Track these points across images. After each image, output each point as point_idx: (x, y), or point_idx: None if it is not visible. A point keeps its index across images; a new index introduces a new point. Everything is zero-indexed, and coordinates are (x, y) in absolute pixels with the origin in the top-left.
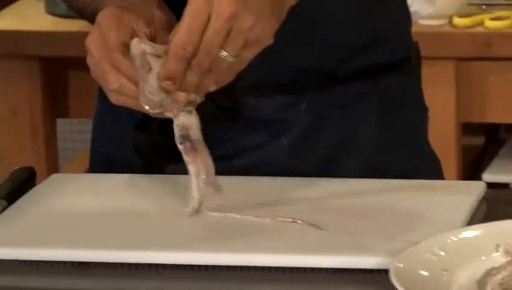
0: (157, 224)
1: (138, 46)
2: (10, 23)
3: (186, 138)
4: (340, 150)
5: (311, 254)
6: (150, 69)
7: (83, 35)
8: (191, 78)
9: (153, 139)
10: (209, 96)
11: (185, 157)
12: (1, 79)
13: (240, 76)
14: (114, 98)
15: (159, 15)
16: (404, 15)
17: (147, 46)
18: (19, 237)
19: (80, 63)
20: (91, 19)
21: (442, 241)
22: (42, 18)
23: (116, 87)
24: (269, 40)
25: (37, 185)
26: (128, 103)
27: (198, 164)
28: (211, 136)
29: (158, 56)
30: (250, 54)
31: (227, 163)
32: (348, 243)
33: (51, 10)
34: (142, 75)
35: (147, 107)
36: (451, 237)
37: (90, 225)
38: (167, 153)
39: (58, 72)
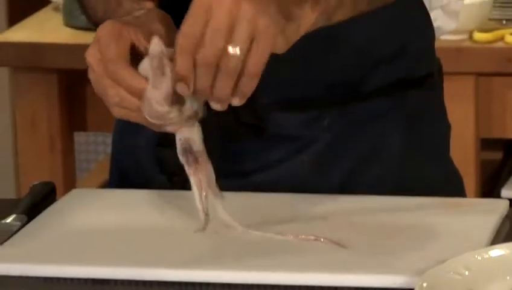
0: (179, 241)
1: (158, 45)
2: (28, 35)
3: (187, 150)
4: (363, 166)
5: (334, 272)
6: (163, 74)
7: None
8: (202, 77)
9: (174, 153)
10: (232, 111)
11: (187, 170)
12: (19, 91)
13: (264, 92)
14: (116, 112)
15: (159, 29)
16: (428, 29)
17: (165, 49)
18: (39, 253)
19: None
20: None
21: (467, 260)
22: (61, 30)
23: (117, 101)
24: (274, 37)
25: (58, 201)
26: (131, 116)
27: (200, 176)
28: (233, 152)
29: (171, 60)
30: (260, 52)
31: (247, 179)
32: (372, 261)
33: (70, 22)
34: (155, 79)
35: (148, 118)
36: (476, 256)
37: (111, 241)
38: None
39: (76, 84)
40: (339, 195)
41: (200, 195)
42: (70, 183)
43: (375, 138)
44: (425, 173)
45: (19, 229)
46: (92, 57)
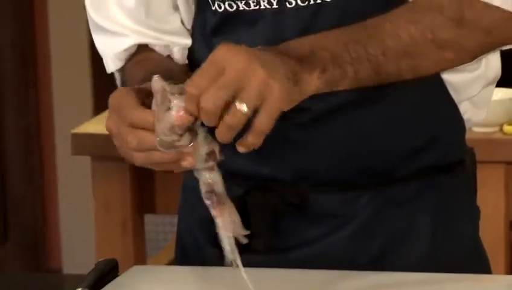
0: None
1: (159, 82)
2: (103, 128)
3: (211, 193)
4: (396, 244)
5: None
6: (169, 108)
7: None
8: (205, 121)
9: None
10: (277, 191)
11: (212, 212)
12: (96, 178)
13: (306, 176)
14: (139, 159)
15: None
16: (456, 121)
17: (166, 84)
18: None
19: None
20: None
21: None
22: None
23: (136, 143)
24: (283, 101)
25: (119, 276)
26: (152, 158)
27: (225, 217)
28: (276, 229)
29: (179, 94)
30: (268, 113)
31: (288, 254)
32: None
33: None
34: (160, 113)
35: (161, 148)
36: None
37: None
38: (239, 244)
39: (146, 172)
40: (369, 272)
41: (228, 236)
42: (141, 261)
43: (408, 217)
44: (454, 252)
45: None
46: (109, 123)
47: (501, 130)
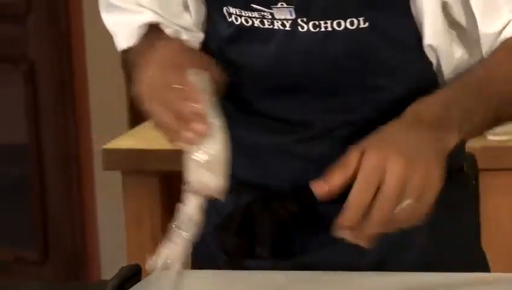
0: None
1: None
2: (134, 143)
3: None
4: (395, 251)
5: None
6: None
7: None
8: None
9: (232, 238)
10: (279, 201)
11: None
12: (127, 191)
13: (307, 187)
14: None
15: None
16: None
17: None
18: None
19: None
20: None
21: None
22: (162, 138)
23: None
24: (439, 183)
25: (141, 281)
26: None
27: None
28: (279, 237)
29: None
30: (428, 198)
31: (294, 259)
32: None
33: None
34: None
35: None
36: None
37: None
38: (245, 250)
39: (176, 186)
40: (372, 272)
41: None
42: None
43: None
44: (452, 258)
45: None
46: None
47: None
